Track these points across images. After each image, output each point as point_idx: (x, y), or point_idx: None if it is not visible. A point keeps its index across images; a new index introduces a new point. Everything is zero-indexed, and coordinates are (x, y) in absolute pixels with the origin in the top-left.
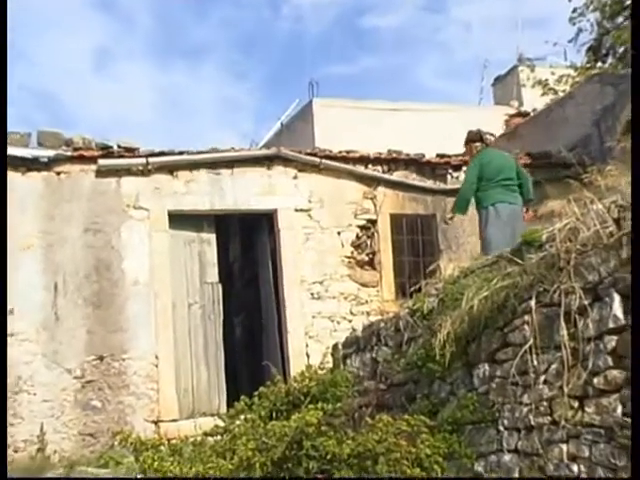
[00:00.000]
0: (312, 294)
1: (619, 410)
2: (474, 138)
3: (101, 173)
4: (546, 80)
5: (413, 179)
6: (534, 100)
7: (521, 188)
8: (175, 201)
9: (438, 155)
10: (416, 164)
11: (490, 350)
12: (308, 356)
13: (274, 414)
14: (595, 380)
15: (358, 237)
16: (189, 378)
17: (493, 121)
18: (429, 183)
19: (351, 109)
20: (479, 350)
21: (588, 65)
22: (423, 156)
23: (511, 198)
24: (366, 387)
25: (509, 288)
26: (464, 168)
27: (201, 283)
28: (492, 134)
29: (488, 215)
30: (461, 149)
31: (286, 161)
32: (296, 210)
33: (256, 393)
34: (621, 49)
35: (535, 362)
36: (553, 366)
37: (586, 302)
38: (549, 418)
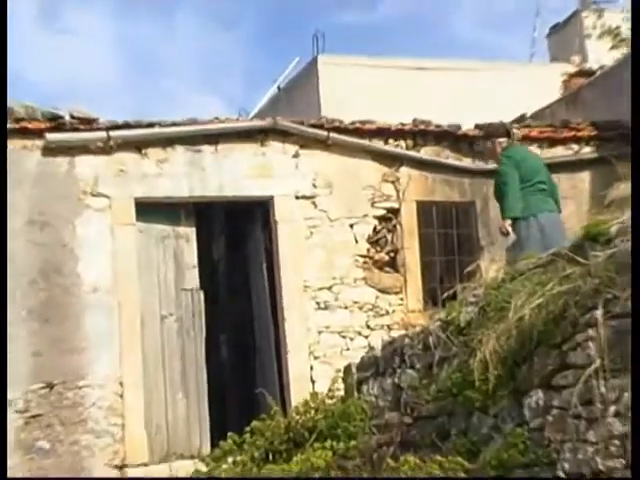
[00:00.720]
0: (318, 303)
1: None
2: (497, 132)
3: (49, 151)
4: (617, 29)
5: (446, 157)
6: (601, 55)
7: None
8: (144, 186)
9: (478, 126)
10: (450, 138)
11: (545, 373)
12: (313, 382)
13: (271, 455)
14: None
15: (376, 231)
16: (163, 411)
17: (548, 82)
18: (467, 162)
19: (367, 68)
20: (531, 373)
21: None
22: (459, 127)
23: (550, 205)
24: (387, 420)
25: (569, 294)
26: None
27: (177, 290)
28: (518, 128)
29: (529, 228)
30: (507, 117)
31: (285, 135)
32: (297, 197)
33: (248, 429)
34: None
35: (603, 389)
36: (626, 394)
37: None
38: (622, 461)
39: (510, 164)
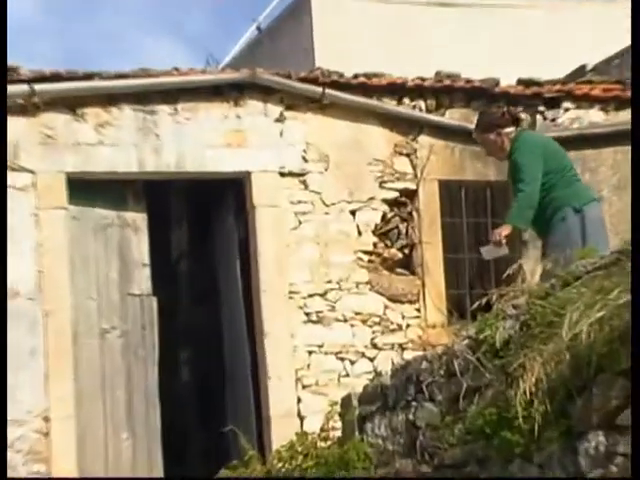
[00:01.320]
0: (308, 315)
1: None
2: (501, 122)
3: None
4: None
5: None
6: None
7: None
8: (80, 158)
9: (521, 82)
10: (485, 97)
11: (608, 409)
12: (301, 418)
13: None
14: None
15: (386, 220)
16: (101, 455)
17: (616, 24)
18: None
19: (375, 2)
20: (589, 409)
21: None
22: (497, 83)
23: (594, 193)
24: (398, 470)
25: None
26: (565, 105)
27: (123, 296)
28: (525, 113)
29: (585, 222)
30: (561, 72)
31: (266, 92)
32: (282, 174)
33: (215, 478)
34: None
35: None
36: None
37: None
38: None
39: (530, 152)
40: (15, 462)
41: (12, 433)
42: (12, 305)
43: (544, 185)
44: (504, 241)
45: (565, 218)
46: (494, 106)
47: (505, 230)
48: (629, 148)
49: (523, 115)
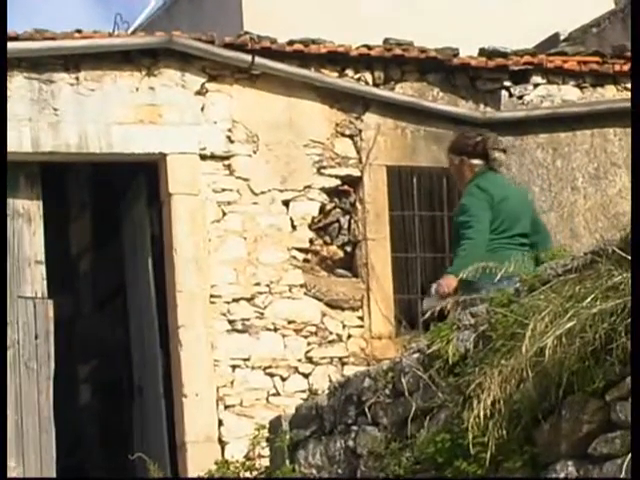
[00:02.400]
0: (232, 322)
1: None
2: (473, 149)
3: None
4: None
5: (434, 99)
6: None
7: (535, 245)
8: None
9: (484, 52)
10: (441, 69)
11: (579, 435)
12: (223, 443)
13: None
14: None
15: (325, 212)
16: None
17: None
18: (466, 107)
19: None
20: (557, 435)
21: None
22: (455, 54)
23: (532, 268)
24: None
25: (617, 315)
26: (535, 80)
27: (12, 299)
28: (504, 148)
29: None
30: (529, 41)
31: (185, 59)
32: (204, 157)
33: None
34: None
35: None
36: None
37: None
38: None
39: (482, 200)
40: None
41: None
42: None
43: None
44: (449, 292)
45: (479, 286)
46: (478, 131)
47: (453, 282)
48: (608, 131)
49: (497, 153)
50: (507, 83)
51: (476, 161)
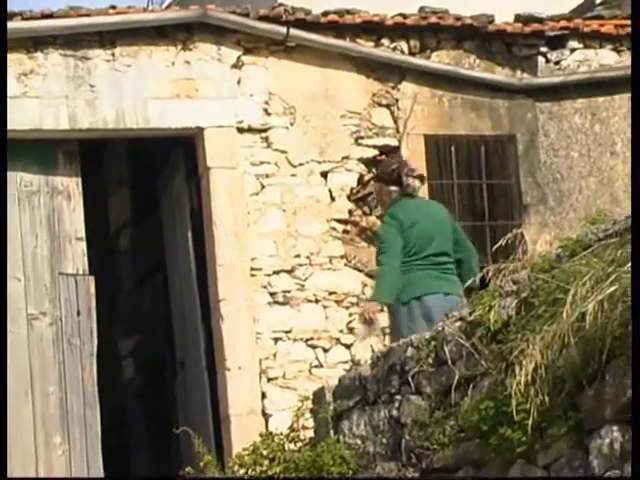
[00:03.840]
0: (273, 295)
1: None
2: (389, 176)
3: None
4: None
5: (471, 66)
6: None
7: (459, 266)
8: None
9: (520, 18)
10: (478, 36)
11: (623, 400)
12: (266, 416)
13: None
14: None
15: (363, 182)
16: (30, 464)
17: None
18: (502, 74)
19: None
20: (601, 401)
21: None
22: (491, 20)
23: (448, 285)
24: (380, 475)
25: None
26: (571, 45)
27: (54, 276)
28: (421, 175)
29: (411, 315)
30: (565, 6)
31: (220, 33)
32: (241, 130)
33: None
34: None
35: None
36: None
37: None
38: None
39: (393, 227)
40: None
41: None
42: None
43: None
44: (375, 318)
45: (409, 305)
46: (397, 159)
47: (374, 308)
48: None
49: (411, 180)
50: (543, 49)
51: (393, 188)
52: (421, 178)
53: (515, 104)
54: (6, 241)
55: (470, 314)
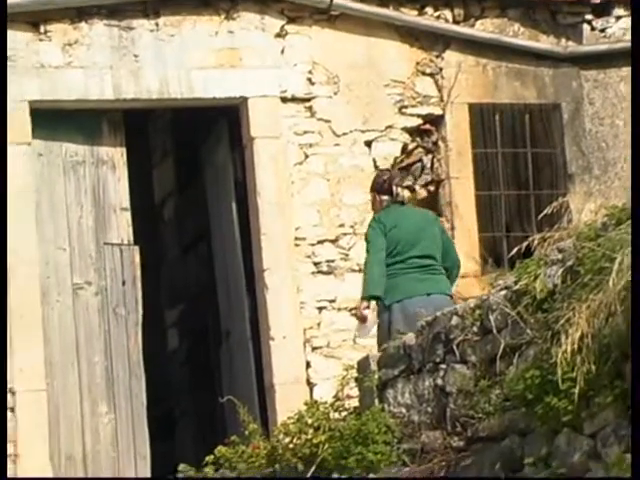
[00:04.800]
0: (317, 265)
1: None
2: (381, 187)
3: None
4: None
5: (515, 34)
6: None
7: (447, 269)
8: (45, 84)
9: None
10: (522, 4)
11: None
12: (311, 385)
13: None
14: None
15: (407, 151)
16: (77, 433)
17: None
18: (547, 42)
19: None
20: None
21: None
22: None
23: (431, 285)
24: (425, 443)
25: None
26: (617, 12)
27: (99, 246)
28: (410, 186)
29: (391, 318)
30: None
31: (263, 2)
32: (285, 100)
33: (210, 458)
34: None
35: None
36: None
37: None
38: None
39: (377, 230)
40: None
41: None
42: None
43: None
44: (368, 315)
45: (389, 309)
46: (389, 171)
47: (363, 304)
48: None
49: (400, 190)
50: (588, 16)
51: (384, 197)
52: (410, 189)
53: (560, 72)
54: (6, 239)
55: (515, 283)
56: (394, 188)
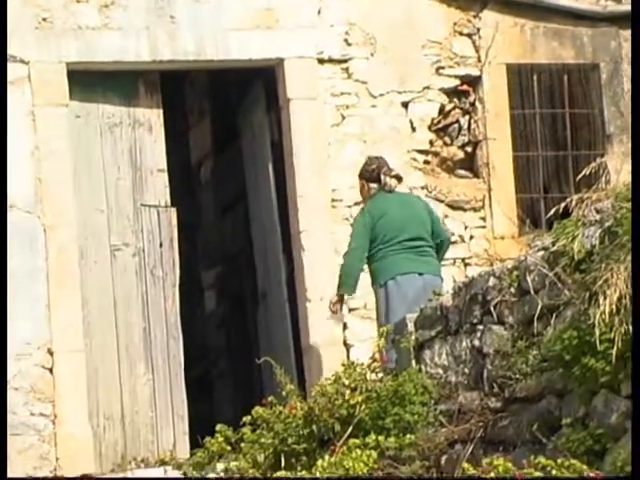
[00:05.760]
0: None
1: None
2: (370, 175)
3: None
4: None
5: None
6: None
7: (438, 250)
8: (82, 45)
9: None
10: None
11: None
12: (348, 346)
13: (283, 459)
14: None
15: (444, 112)
16: (116, 393)
17: None
18: (586, 2)
19: None
20: None
21: None
22: None
23: (422, 265)
24: (462, 404)
25: None
26: None
27: (136, 208)
28: (397, 174)
29: (388, 295)
30: None
31: None
32: (321, 61)
33: (247, 419)
34: None
35: None
36: None
37: None
38: None
39: (363, 221)
40: (15, 401)
41: (9, 369)
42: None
43: (375, 252)
44: (337, 309)
45: (385, 286)
46: (377, 159)
47: (333, 299)
48: None
49: (389, 179)
50: None
51: (373, 185)
52: (398, 177)
53: (599, 32)
54: (6, 234)
55: (553, 244)
56: (382, 177)
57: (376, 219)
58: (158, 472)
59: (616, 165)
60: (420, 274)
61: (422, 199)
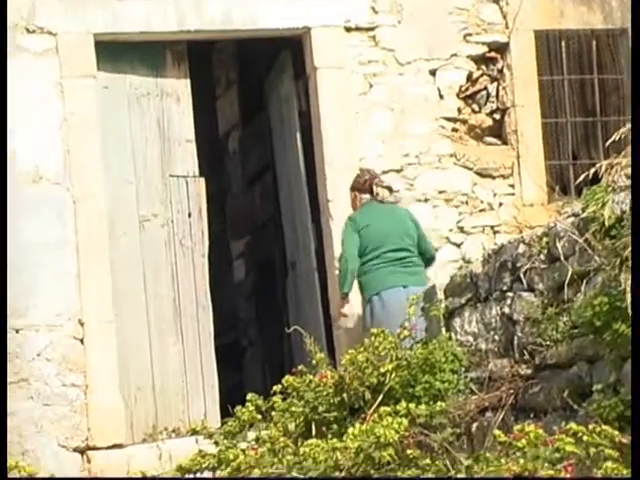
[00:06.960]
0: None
1: None
2: (361, 186)
3: None
4: None
5: None
6: None
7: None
8: (109, 16)
9: None
10: None
11: None
12: None
13: (314, 427)
14: None
15: (472, 80)
16: (146, 364)
17: None
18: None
19: None
20: None
21: None
22: None
23: (406, 277)
24: (493, 372)
25: None
26: None
27: (165, 178)
28: (389, 186)
29: (372, 310)
30: None
31: None
32: (348, 29)
33: (278, 388)
34: None
35: None
36: None
37: None
38: None
39: (351, 229)
40: (47, 372)
41: (41, 340)
42: (35, 191)
43: (360, 265)
44: (346, 311)
45: (370, 301)
46: (368, 171)
47: (341, 303)
48: None
49: (380, 190)
50: None
51: (365, 196)
52: (389, 188)
53: None
54: (6, 231)
55: (583, 210)
56: (374, 188)
57: (361, 227)
58: (189, 441)
59: None
60: (405, 286)
61: (410, 212)
